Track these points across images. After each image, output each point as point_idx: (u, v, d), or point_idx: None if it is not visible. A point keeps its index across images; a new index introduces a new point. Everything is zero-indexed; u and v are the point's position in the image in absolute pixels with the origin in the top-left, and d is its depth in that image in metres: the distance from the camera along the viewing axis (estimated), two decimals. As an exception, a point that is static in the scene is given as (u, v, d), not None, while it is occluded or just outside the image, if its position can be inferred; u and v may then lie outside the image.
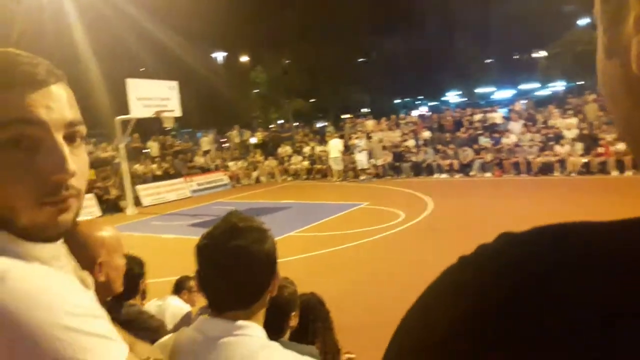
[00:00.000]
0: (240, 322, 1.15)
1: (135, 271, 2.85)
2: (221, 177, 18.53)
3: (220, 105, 29.18)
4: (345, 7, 26.95)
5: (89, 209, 13.65)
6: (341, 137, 19.79)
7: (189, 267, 4.47)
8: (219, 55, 30.66)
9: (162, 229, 11.11)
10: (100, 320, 0.62)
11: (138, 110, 13.73)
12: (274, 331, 1.98)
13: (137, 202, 14.92)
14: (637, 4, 0.32)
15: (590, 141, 14.98)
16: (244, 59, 32.99)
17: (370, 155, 17.71)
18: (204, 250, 1.19)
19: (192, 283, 3.74)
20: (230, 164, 19.39)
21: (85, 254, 1.43)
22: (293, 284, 2.19)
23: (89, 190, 14.33)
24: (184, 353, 1.16)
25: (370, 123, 20.39)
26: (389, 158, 17.90)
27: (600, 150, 14.41)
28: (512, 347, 0.30)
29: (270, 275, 1.20)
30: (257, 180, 19.16)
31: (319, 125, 27.51)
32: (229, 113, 27.97)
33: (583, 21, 26.90)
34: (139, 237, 10.08)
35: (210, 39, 26.58)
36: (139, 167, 17.23)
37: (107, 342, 0.60)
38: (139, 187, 15.65)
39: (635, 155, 0.40)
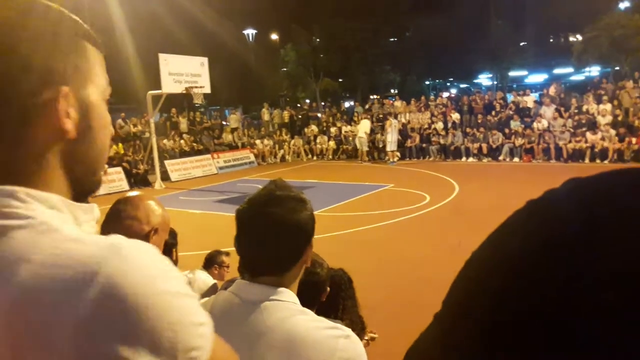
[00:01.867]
0: (277, 288, 1.18)
1: (169, 241, 3.00)
2: (247, 155, 18.73)
3: (248, 83, 29.28)
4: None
5: (117, 182, 13.92)
6: (369, 117, 19.70)
7: (214, 242, 4.66)
8: (250, 33, 30.57)
9: (189, 204, 11.33)
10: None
11: (169, 85, 13.91)
12: (305, 306, 2.04)
13: (165, 176, 15.21)
14: None
15: (624, 128, 14.58)
16: (274, 36, 32.84)
17: (400, 136, 17.56)
18: (242, 215, 1.23)
19: (224, 258, 3.87)
20: (257, 141, 19.57)
21: (148, 217, 1.56)
22: (325, 266, 2.18)
23: (117, 164, 14.73)
24: (221, 314, 1.18)
25: (399, 104, 20.20)
26: (417, 140, 17.77)
27: (634, 138, 14.03)
28: (587, 280, 0.30)
29: (303, 246, 1.22)
30: (283, 159, 19.30)
31: (346, 105, 27.35)
32: (257, 91, 28.02)
33: (622, 4, 25.85)
34: (168, 212, 10.31)
35: (242, 15, 26.51)
36: (167, 142, 17.55)
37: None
38: (167, 162, 15.95)
39: None
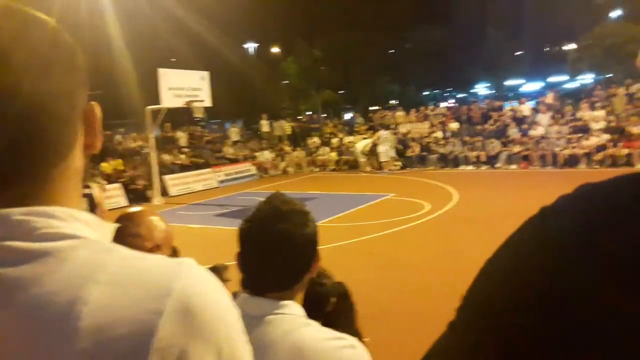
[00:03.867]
0: (282, 302, 1.17)
1: (172, 257, 3.06)
2: (248, 168, 18.78)
3: (249, 96, 29.47)
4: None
5: (115, 198, 13.70)
6: (370, 128, 19.84)
7: (215, 256, 4.69)
8: (251, 46, 30.81)
9: (188, 218, 11.26)
10: None
11: (169, 100, 13.91)
12: (311, 318, 2.06)
13: (164, 192, 15.10)
14: None
15: (617, 134, 14.79)
16: (275, 50, 33.05)
17: (397, 146, 17.73)
18: (247, 233, 1.20)
19: (227, 273, 3.83)
20: (258, 154, 19.67)
21: (151, 233, 1.54)
22: (330, 277, 2.21)
23: (115, 180, 14.67)
24: None
25: (399, 115, 20.36)
26: (417, 149, 17.93)
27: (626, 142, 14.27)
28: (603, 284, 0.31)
29: (312, 258, 1.22)
30: (285, 171, 19.36)
31: (347, 116, 27.53)
32: (258, 104, 28.25)
33: (614, 14, 26.19)
34: (167, 227, 10.33)
35: (243, 29, 26.74)
36: (167, 157, 17.62)
37: None
38: (166, 177, 15.86)
39: None
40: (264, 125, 22.32)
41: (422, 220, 9.37)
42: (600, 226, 0.32)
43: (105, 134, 0.71)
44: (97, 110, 0.62)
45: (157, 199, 14.38)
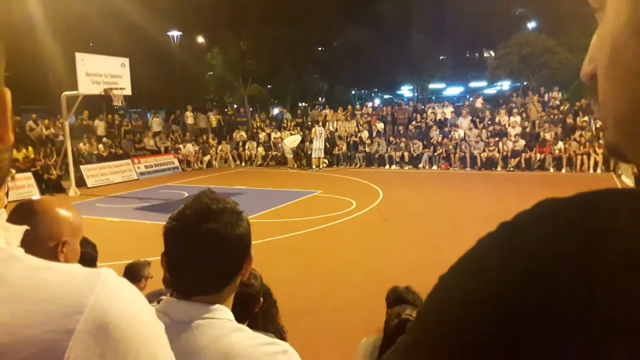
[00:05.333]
0: (210, 306, 1.10)
1: (90, 253, 2.81)
2: (171, 160, 18.14)
3: (173, 85, 28.41)
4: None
5: (27, 188, 13.02)
6: (299, 124, 19.85)
7: (136, 251, 4.45)
8: (175, 35, 29.67)
9: (107, 211, 10.78)
10: None
11: (86, 86, 13.19)
12: (239, 319, 2.02)
13: (81, 182, 14.36)
14: None
15: (532, 139, 15.87)
16: (201, 40, 32.15)
17: (326, 144, 17.88)
18: (174, 233, 1.11)
19: (148, 269, 3.60)
20: (181, 146, 19.01)
21: (50, 231, 1.36)
22: (259, 277, 2.20)
23: (27, 169, 13.69)
24: None
25: (327, 112, 20.56)
26: (344, 148, 18.17)
27: (540, 148, 15.35)
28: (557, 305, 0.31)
29: (244, 259, 1.16)
30: (209, 165, 18.90)
31: (275, 111, 27.36)
32: (182, 94, 27.30)
33: (531, 25, 28.15)
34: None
35: (167, 17, 25.68)
36: (83, 147, 16.58)
37: None
38: (83, 167, 15.06)
39: (625, 139, 0.40)
40: (189, 117, 21.62)
41: (349, 218, 9.49)
42: (569, 247, 0.32)
43: (14, 120, 0.57)
44: (8, 97, 0.53)
45: (73, 190, 13.54)
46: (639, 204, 0.33)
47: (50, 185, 13.94)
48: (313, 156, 17.38)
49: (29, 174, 13.55)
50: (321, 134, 17.35)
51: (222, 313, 1.11)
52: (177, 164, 18.14)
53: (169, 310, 1.10)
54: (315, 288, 5.86)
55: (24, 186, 13.03)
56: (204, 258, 1.10)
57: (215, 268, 1.11)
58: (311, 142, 17.54)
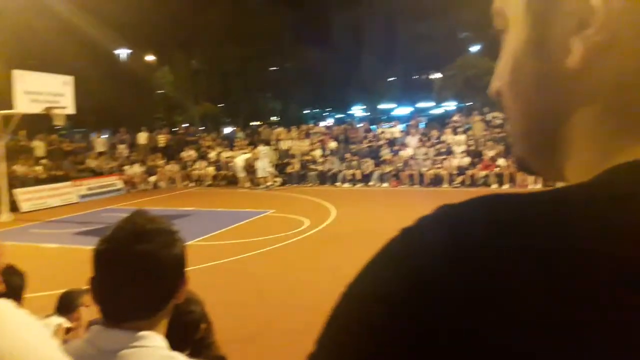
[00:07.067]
0: (140, 333, 1.04)
1: (15, 283, 2.59)
2: (114, 182, 17.44)
3: (120, 104, 27.66)
4: (259, 15, 26.89)
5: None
6: (251, 143, 19.71)
7: (73, 279, 4.09)
8: (123, 52, 28.90)
9: (43, 237, 10.16)
10: None
11: (25, 104, 12.57)
12: (179, 347, 1.92)
13: (15, 207, 13.53)
14: (581, 7, 0.37)
15: (476, 156, 16.44)
16: (150, 57, 31.57)
17: (278, 162, 17.80)
18: (104, 255, 1.06)
19: (86, 297, 3.37)
20: (127, 167, 18.36)
21: None
22: (200, 303, 2.10)
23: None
24: None
25: (281, 131, 20.52)
26: (297, 166, 18.14)
27: (483, 164, 15.93)
28: (453, 312, 0.31)
29: (179, 282, 1.11)
30: (156, 186, 18.35)
31: (227, 130, 27.04)
32: (129, 113, 26.58)
33: (474, 48, 29.43)
34: (14, 247, 9.07)
35: (115, 34, 25.05)
36: (20, 169, 15.69)
37: None
38: (17, 190, 14.14)
39: (530, 151, 0.44)
40: (141, 137, 20.99)
41: (301, 237, 9.38)
42: (452, 255, 0.33)
43: None
44: None
45: (5, 215, 12.76)
46: (523, 206, 0.35)
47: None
48: (258, 175, 17.23)
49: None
50: (265, 153, 17.27)
51: (153, 340, 1.04)
52: (121, 185, 17.48)
53: (96, 339, 1.05)
54: (265, 312, 5.68)
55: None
56: (138, 281, 1.04)
57: (149, 292, 1.06)
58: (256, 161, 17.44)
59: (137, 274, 1.04)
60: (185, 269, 1.13)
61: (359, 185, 17.00)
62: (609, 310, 0.29)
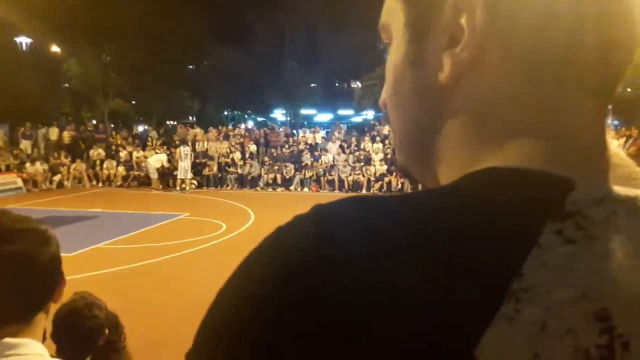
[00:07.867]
0: (11, 340, 0.95)
1: None
2: (13, 180, 15.95)
3: (20, 97, 25.35)
4: (178, 11, 25.93)
5: None
6: (164, 143, 18.87)
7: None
8: (24, 41, 26.53)
9: None
10: None
11: None
12: (79, 354, 1.74)
13: None
14: (452, 25, 0.38)
15: (393, 165, 17.02)
16: (55, 49, 29.24)
17: (193, 164, 17.17)
18: None
19: None
20: (27, 164, 16.84)
21: None
22: (104, 307, 2.03)
23: None
24: None
25: (197, 131, 19.87)
26: (215, 168, 17.64)
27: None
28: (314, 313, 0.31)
29: (55, 283, 1.05)
30: (60, 185, 17.01)
31: (140, 129, 25.71)
32: (31, 107, 24.45)
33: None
34: None
35: (15, 22, 22.89)
36: None
37: None
38: None
39: (411, 160, 0.46)
40: (53, 133, 19.33)
41: (218, 241, 9.11)
42: (318, 252, 0.34)
43: None
44: None
45: None
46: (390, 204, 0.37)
47: None
48: (178, 177, 16.53)
49: None
50: (187, 154, 16.58)
51: (31, 347, 0.97)
52: (21, 184, 16.00)
53: None
54: (179, 316, 5.37)
55: None
56: (10, 284, 0.97)
57: (23, 294, 0.99)
58: (177, 161, 16.69)
59: (10, 276, 0.98)
60: (61, 267, 1.08)
61: (279, 190, 16.89)
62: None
